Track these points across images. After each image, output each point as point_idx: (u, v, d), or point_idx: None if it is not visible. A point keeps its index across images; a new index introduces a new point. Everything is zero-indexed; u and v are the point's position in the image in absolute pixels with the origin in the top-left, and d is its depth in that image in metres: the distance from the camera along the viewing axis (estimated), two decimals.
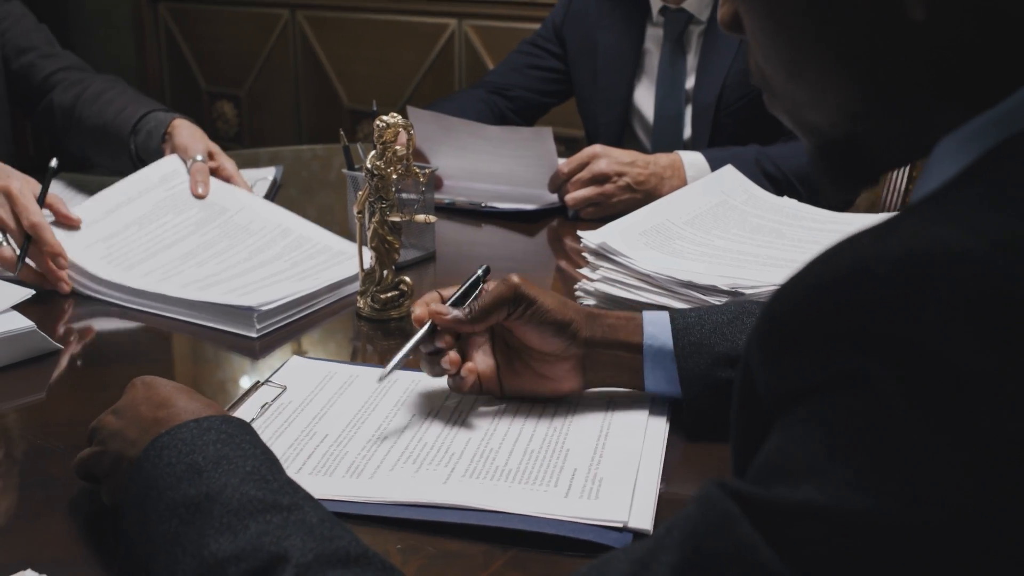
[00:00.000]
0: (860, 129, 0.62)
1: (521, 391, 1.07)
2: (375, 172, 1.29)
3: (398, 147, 1.30)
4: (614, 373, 1.05)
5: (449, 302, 1.06)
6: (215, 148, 1.73)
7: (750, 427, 0.55)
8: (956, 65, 0.56)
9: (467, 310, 1.03)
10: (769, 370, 0.52)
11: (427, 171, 1.38)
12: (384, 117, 1.29)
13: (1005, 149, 0.52)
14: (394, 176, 1.30)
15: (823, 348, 0.48)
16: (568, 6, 2.21)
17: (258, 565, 0.67)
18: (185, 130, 1.75)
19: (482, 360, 1.06)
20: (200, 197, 1.63)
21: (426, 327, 1.03)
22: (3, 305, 1.22)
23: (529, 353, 1.05)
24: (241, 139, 4.44)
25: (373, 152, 1.30)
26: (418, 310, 1.05)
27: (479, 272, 1.08)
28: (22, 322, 1.20)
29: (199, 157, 1.67)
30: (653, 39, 2.08)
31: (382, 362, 1.22)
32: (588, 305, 1.34)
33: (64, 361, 1.23)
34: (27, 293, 1.26)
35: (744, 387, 0.56)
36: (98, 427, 0.87)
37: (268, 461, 0.77)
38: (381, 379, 1.04)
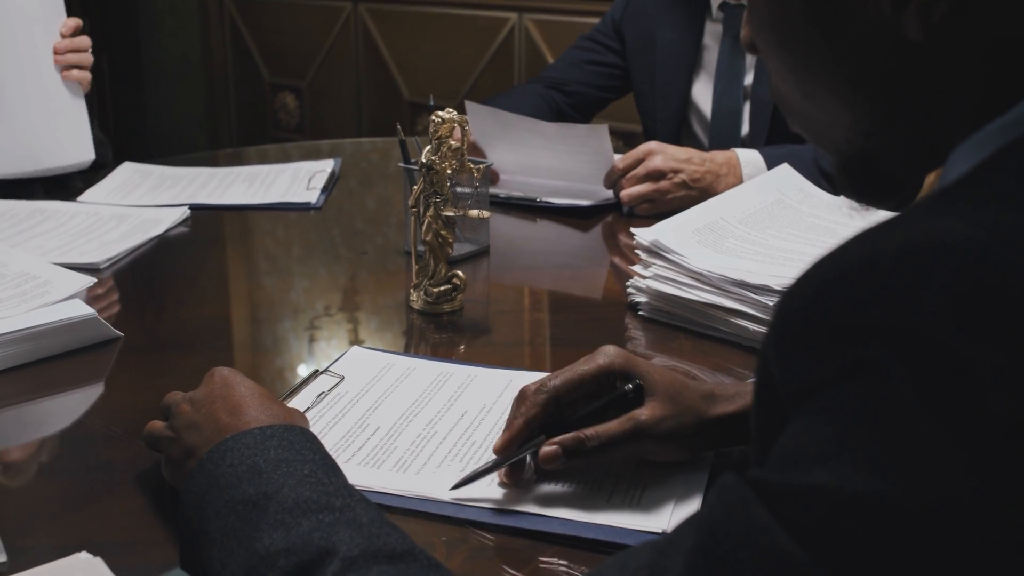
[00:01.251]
0: (874, 145, 0.64)
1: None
2: (430, 167, 1.30)
3: (453, 142, 1.31)
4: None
5: (574, 414, 0.92)
6: None
7: (769, 424, 0.56)
8: (962, 79, 0.57)
9: (592, 440, 0.90)
10: (784, 367, 0.54)
11: (481, 166, 1.39)
12: (439, 112, 1.30)
13: (1010, 149, 0.54)
14: (448, 171, 1.31)
15: (833, 342, 0.50)
16: (627, 2, 2.21)
17: (306, 558, 0.69)
18: None
19: None
20: None
21: (502, 461, 0.91)
22: (65, 292, 1.25)
23: None
24: (302, 130, 4.48)
25: (428, 147, 1.31)
26: (503, 441, 0.91)
27: (627, 388, 0.91)
28: (83, 309, 1.22)
29: None
30: (712, 35, 2.07)
31: (434, 355, 1.23)
32: (639, 304, 1.34)
33: (123, 348, 1.26)
34: (89, 281, 1.29)
35: (763, 385, 0.57)
36: (175, 411, 0.89)
37: (326, 466, 0.79)
38: (451, 489, 0.91)
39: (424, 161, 1.30)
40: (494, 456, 0.92)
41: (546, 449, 0.89)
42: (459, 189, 1.47)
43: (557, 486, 0.92)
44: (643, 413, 0.90)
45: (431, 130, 1.30)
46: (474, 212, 1.34)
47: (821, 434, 0.49)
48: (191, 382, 0.93)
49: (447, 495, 0.91)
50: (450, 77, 3.88)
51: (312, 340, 1.32)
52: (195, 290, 1.50)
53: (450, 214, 1.32)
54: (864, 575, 0.46)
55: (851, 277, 0.49)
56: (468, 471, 0.93)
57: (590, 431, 0.90)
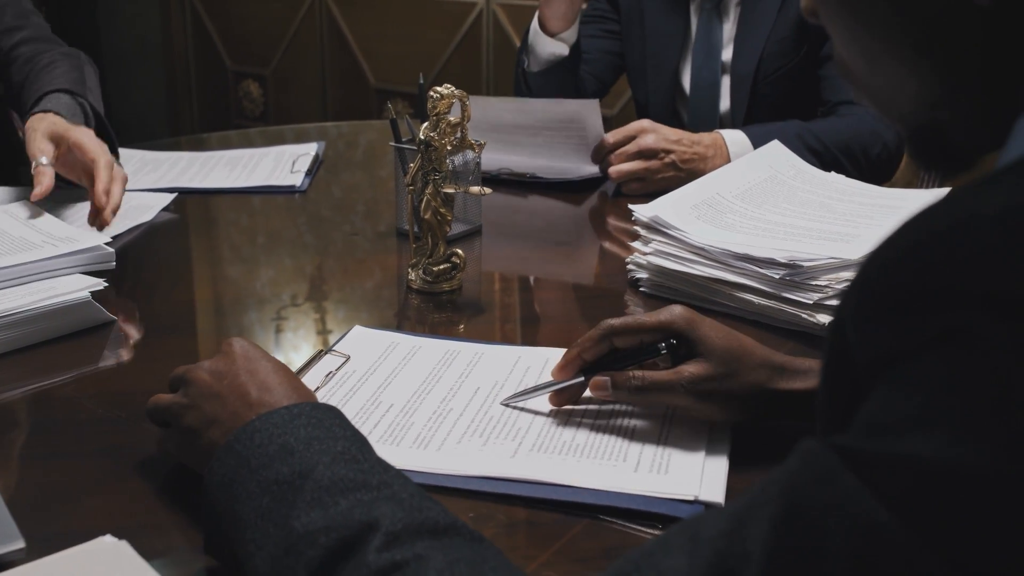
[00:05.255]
0: (941, 116, 0.62)
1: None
2: (428, 143, 1.28)
3: (452, 118, 1.29)
4: None
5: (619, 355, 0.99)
6: (74, 137, 1.53)
7: (839, 390, 0.55)
8: None
9: (637, 380, 0.96)
10: (864, 332, 0.52)
11: (482, 142, 1.37)
12: (438, 88, 1.28)
13: None
14: (448, 147, 1.29)
15: (923, 307, 0.48)
16: None
17: (348, 534, 0.67)
18: (38, 125, 1.56)
19: None
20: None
21: (569, 383, 0.99)
22: (81, 295, 1.20)
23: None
24: (267, 118, 4.44)
25: (426, 124, 1.29)
26: (560, 366, 1.00)
27: (661, 346, 0.96)
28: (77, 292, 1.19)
29: (43, 160, 1.50)
30: (696, 8, 2.05)
31: (434, 334, 1.22)
32: (640, 280, 1.33)
33: (117, 332, 1.23)
34: (98, 283, 1.25)
35: (836, 350, 0.55)
36: (191, 379, 0.87)
37: (357, 442, 0.77)
38: (504, 403, 1.02)
39: (423, 138, 1.28)
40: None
41: (597, 378, 0.97)
42: (455, 166, 1.45)
43: (584, 459, 0.92)
44: (687, 369, 0.94)
45: (429, 106, 1.28)
46: (475, 189, 1.33)
47: (915, 401, 0.48)
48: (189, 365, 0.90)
49: (479, 467, 0.90)
50: (417, 63, 3.85)
51: (311, 320, 1.29)
52: (184, 273, 1.47)
53: (450, 191, 1.30)
54: (963, 544, 0.45)
55: (944, 239, 0.48)
56: (490, 444, 0.94)
57: (637, 372, 0.96)
